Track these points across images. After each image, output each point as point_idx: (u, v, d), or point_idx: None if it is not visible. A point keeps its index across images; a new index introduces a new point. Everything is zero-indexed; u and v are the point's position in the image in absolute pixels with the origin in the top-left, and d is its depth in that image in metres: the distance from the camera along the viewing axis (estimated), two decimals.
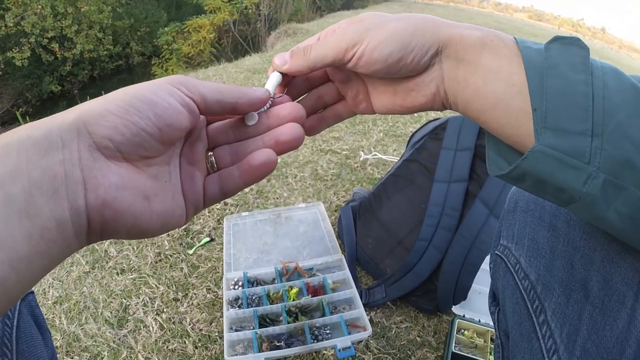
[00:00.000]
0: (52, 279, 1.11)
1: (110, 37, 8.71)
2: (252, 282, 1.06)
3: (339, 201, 1.42)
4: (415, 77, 0.35)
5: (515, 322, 0.47)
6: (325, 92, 0.40)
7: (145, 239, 1.22)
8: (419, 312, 1.03)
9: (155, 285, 1.08)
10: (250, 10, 8.33)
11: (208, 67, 4.10)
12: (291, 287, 1.01)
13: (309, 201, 1.41)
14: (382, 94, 0.38)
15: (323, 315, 0.95)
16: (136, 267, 1.14)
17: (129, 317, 1.00)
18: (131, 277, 1.10)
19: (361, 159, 1.69)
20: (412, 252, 0.99)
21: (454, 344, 0.91)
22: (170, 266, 1.14)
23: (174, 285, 1.08)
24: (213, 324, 0.98)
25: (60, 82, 8.24)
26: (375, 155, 1.72)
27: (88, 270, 1.13)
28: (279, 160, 0.34)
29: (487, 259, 0.93)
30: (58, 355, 0.90)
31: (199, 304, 1.03)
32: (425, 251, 0.98)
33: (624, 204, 0.28)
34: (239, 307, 0.98)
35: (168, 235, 1.24)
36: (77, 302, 1.04)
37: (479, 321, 0.97)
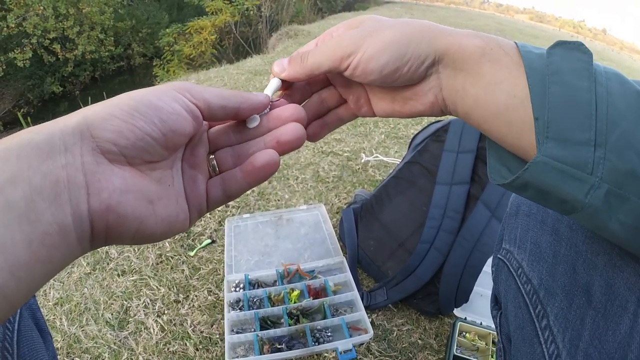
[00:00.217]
0: (53, 280, 1.10)
1: (112, 38, 8.72)
2: (254, 284, 1.06)
3: (340, 203, 1.42)
4: (412, 87, 0.34)
5: (518, 326, 0.47)
6: (327, 96, 0.40)
7: None
8: (420, 315, 1.03)
9: (156, 287, 1.08)
10: (251, 12, 8.35)
11: (209, 68, 4.10)
12: (292, 290, 1.01)
13: (310, 203, 1.41)
14: (381, 100, 0.38)
15: (324, 317, 0.95)
16: (137, 268, 1.13)
17: (130, 319, 1.00)
18: (132, 278, 1.10)
19: (362, 160, 1.69)
20: (413, 255, 0.99)
21: (455, 347, 0.91)
22: (172, 268, 1.14)
23: (175, 287, 1.08)
24: (214, 326, 0.98)
25: (61, 83, 8.25)
26: (377, 157, 1.72)
27: (89, 271, 1.13)
28: (280, 162, 0.34)
29: (489, 261, 0.93)
30: (59, 357, 0.90)
31: (200, 306, 1.03)
32: (427, 254, 0.98)
33: (627, 214, 0.28)
34: (240, 309, 0.98)
35: None
36: (77, 303, 1.04)
37: (481, 324, 0.97)
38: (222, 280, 1.09)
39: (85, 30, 8.11)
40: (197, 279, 1.11)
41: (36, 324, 0.47)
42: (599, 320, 0.37)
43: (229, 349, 0.87)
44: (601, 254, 0.38)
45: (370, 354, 0.93)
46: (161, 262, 1.16)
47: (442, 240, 0.98)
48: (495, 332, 0.59)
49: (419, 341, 0.97)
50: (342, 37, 0.34)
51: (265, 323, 0.94)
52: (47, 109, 7.73)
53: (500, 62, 0.30)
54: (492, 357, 0.89)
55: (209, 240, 1.22)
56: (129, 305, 1.03)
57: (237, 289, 1.04)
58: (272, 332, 0.90)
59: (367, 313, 0.96)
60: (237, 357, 0.87)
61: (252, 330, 0.92)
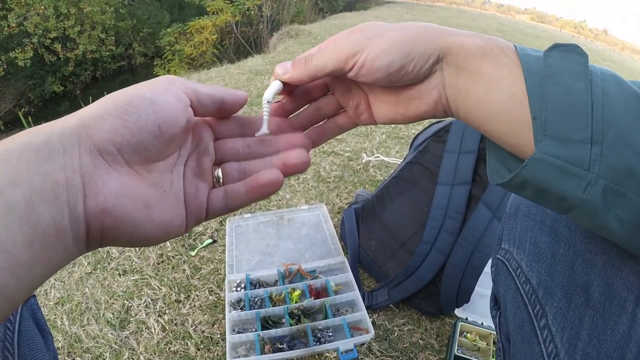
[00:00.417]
0: (54, 279, 1.11)
1: (113, 37, 8.73)
2: (255, 284, 1.06)
3: (341, 203, 1.42)
4: (416, 85, 0.35)
5: (517, 326, 0.47)
6: (324, 104, 0.40)
7: None
8: (421, 315, 1.03)
9: (158, 287, 1.08)
10: (252, 12, 8.36)
11: (210, 68, 4.11)
12: (294, 290, 1.01)
13: (311, 203, 1.41)
14: (383, 104, 0.37)
15: (325, 317, 0.95)
16: (138, 268, 1.13)
17: (131, 319, 1.00)
18: (133, 278, 1.10)
19: (364, 161, 1.69)
20: (415, 255, 0.99)
21: (456, 347, 0.91)
22: (173, 268, 1.14)
23: (176, 287, 1.08)
24: (215, 325, 0.98)
25: (62, 83, 8.26)
26: (378, 157, 1.72)
27: (90, 271, 1.13)
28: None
29: (490, 262, 0.93)
30: (60, 357, 0.90)
31: (201, 306, 1.03)
32: (428, 254, 0.98)
33: (625, 211, 0.28)
34: (242, 309, 0.98)
35: None
36: (79, 303, 1.04)
37: (482, 324, 0.97)
38: (224, 280, 1.09)
39: (86, 30, 8.12)
40: (198, 278, 1.11)
41: (37, 324, 0.48)
42: (598, 319, 0.37)
43: (230, 348, 0.88)
44: (599, 253, 0.38)
45: (372, 354, 0.93)
46: (162, 261, 1.16)
47: (444, 241, 0.98)
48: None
49: (420, 341, 0.97)
50: (346, 40, 0.34)
51: (267, 323, 0.94)
52: (48, 108, 7.73)
53: (500, 62, 0.31)
54: (493, 357, 0.89)
55: (210, 240, 1.22)
56: (130, 304, 1.03)
57: (239, 288, 1.04)
58: (273, 332, 0.90)
59: (368, 313, 0.96)
60: (239, 356, 0.87)
61: (254, 330, 0.92)
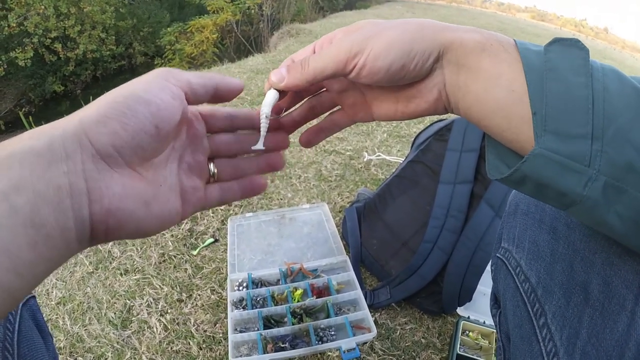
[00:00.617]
0: (56, 279, 1.11)
1: (113, 37, 8.72)
2: (257, 283, 1.06)
3: (343, 202, 1.41)
4: (417, 84, 0.34)
5: (516, 324, 0.47)
6: (319, 103, 0.40)
7: (149, 240, 1.22)
8: (423, 314, 1.03)
9: (159, 286, 1.08)
10: (253, 11, 8.34)
11: (211, 67, 4.10)
12: (296, 289, 1.01)
13: (313, 202, 1.41)
14: (382, 102, 0.37)
15: (328, 316, 0.95)
16: (140, 267, 1.13)
17: (133, 318, 1.00)
18: (135, 277, 1.10)
19: (365, 159, 1.69)
20: (417, 254, 0.99)
21: (458, 346, 0.91)
22: (174, 267, 1.14)
23: (178, 286, 1.08)
24: (217, 325, 0.98)
25: (63, 82, 8.25)
26: (379, 156, 1.72)
27: (92, 270, 1.13)
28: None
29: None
30: (62, 357, 0.90)
31: (203, 305, 1.03)
32: (430, 253, 0.98)
33: (625, 207, 0.28)
34: (244, 308, 0.98)
35: (172, 236, 1.24)
36: (80, 302, 1.04)
37: (484, 323, 0.97)
38: (225, 279, 1.09)
39: (86, 29, 8.11)
40: (200, 278, 1.11)
41: (37, 325, 0.48)
42: (597, 318, 0.37)
43: (233, 348, 0.87)
44: (599, 252, 0.38)
45: (374, 353, 0.93)
46: (164, 261, 1.16)
47: (446, 240, 0.97)
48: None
49: (422, 340, 0.97)
50: (344, 40, 0.33)
51: (269, 322, 0.94)
52: (48, 108, 7.73)
53: (499, 57, 0.31)
54: (495, 356, 0.89)
55: (211, 239, 1.22)
56: (131, 304, 1.03)
57: (240, 288, 1.04)
58: (275, 331, 0.90)
59: (370, 312, 0.95)
60: (241, 356, 0.87)
61: (256, 329, 0.92)
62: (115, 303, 1.04)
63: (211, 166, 0.36)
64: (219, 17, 7.86)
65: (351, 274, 1.05)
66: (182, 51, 7.95)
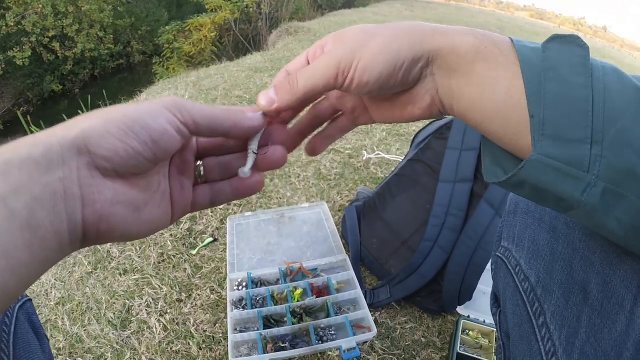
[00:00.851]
0: (55, 279, 1.10)
1: (111, 36, 8.72)
2: (256, 282, 1.05)
3: (342, 201, 1.41)
4: (409, 91, 0.34)
5: (516, 323, 0.47)
6: (321, 110, 0.40)
7: (148, 240, 1.21)
8: (423, 313, 1.03)
9: (159, 286, 1.07)
10: (251, 9, 8.32)
11: (209, 66, 4.09)
12: (295, 288, 1.01)
13: (312, 201, 1.40)
14: (379, 108, 0.37)
15: (328, 316, 0.95)
16: (139, 267, 1.13)
17: (133, 318, 0.99)
18: (134, 277, 1.10)
19: (364, 158, 1.69)
20: (417, 253, 0.99)
21: (459, 345, 0.91)
22: (174, 267, 1.13)
23: (177, 286, 1.07)
24: (217, 325, 0.98)
25: (61, 82, 8.25)
26: (379, 154, 1.71)
27: (91, 270, 1.13)
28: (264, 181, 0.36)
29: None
30: (61, 357, 0.90)
31: (202, 305, 1.03)
32: (431, 252, 0.98)
33: (625, 212, 0.28)
34: (243, 308, 0.98)
35: (171, 235, 1.23)
36: (79, 303, 1.03)
37: (484, 322, 0.97)
38: (225, 278, 1.09)
39: (84, 28, 8.10)
40: (200, 277, 1.10)
41: (32, 328, 0.49)
42: (596, 317, 0.37)
43: (233, 347, 0.87)
44: (598, 251, 0.38)
45: (374, 352, 0.93)
46: (163, 261, 1.16)
47: (446, 239, 0.97)
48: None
49: (423, 339, 0.97)
50: (332, 53, 0.33)
51: (269, 322, 0.94)
52: (47, 107, 7.72)
53: (496, 61, 0.30)
54: (495, 355, 0.89)
55: (211, 239, 1.22)
56: (131, 304, 1.03)
57: (240, 287, 1.04)
58: (275, 330, 0.90)
59: (370, 311, 0.95)
60: (241, 356, 0.87)
61: (256, 329, 0.92)
62: (114, 303, 1.03)
63: (199, 167, 0.36)
64: (217, 15, 7.84)
65: (351, 273, 1.05)
66: (181, 50, 7.92)
